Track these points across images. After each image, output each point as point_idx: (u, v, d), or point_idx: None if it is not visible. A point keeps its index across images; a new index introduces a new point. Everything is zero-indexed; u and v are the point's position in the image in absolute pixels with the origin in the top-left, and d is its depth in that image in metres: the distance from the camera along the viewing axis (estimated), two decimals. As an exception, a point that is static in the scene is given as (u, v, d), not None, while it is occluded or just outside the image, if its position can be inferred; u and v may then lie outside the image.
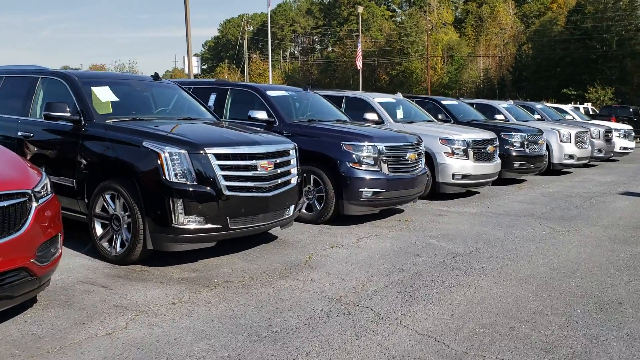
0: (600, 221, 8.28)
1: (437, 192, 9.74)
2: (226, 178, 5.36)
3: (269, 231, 6.58)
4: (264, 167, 5.64)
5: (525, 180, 13.06)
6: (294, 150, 6.24)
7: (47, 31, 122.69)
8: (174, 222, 5.13)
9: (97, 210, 5.63)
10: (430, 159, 9.67)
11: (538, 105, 18.09)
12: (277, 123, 7.96)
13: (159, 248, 5.27)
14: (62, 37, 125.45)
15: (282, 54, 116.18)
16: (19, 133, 6.46)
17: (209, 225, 5.26)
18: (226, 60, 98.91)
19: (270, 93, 8.32)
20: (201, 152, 5.28)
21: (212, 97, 8.76)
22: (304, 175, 7.46)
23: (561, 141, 13.87)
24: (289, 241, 6.52)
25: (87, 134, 5.87)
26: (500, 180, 11.85)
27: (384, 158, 7.46)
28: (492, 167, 10.20)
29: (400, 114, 11.14)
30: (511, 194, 10.91)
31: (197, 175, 5.23)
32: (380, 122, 10.27)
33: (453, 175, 9.62)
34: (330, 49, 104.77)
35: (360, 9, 51.67)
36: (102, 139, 5.74)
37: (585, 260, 6.05)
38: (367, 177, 7.31)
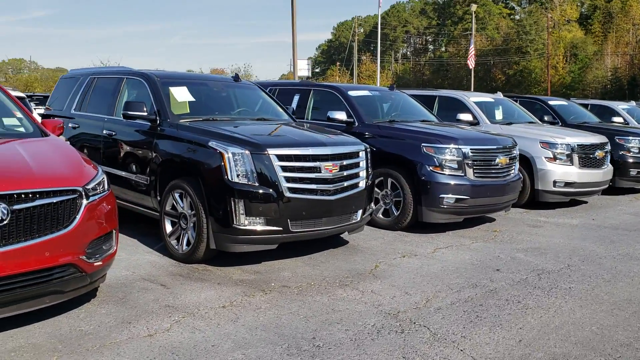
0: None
1: (535, 200, 8.96)
2: (288, 180, 5.21)
3: (340, 236, 6.34)
4: (328, 169, 5.43)
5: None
6: (364, 152, 5.93)
7: (176, 37, 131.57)
8: (235, 222, 5.05)
9: (167, 208, 5.70)
10: (529, 163, 8.92)
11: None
12: (357, 124, 7.68)
13: (221, 248, 5.22)
14: (189, 43, 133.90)
15: (393, 54, 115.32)
16: (104, 131, 6.73)
17: (270, 227, 5.14)
18: (337, 63, 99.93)
19: (351, 93, 8.05)
20: (264, 152, 5.18)
21: (296, 98, 8.66)
22: (381, 178, 7.17)
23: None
24: (359, 247, 6.22)
25: (162, 133, 5.96)
26: (614, 190, 10.73)
27: (469, 162, 6.93)
28: (602, 174, 9.20)
29: (499, 115, 10.41)
30: (625, 204, 9.80)
31: (258, 176, 5.13)
32: (475, 123, 9.62)
33: (554, 182, 8.79)
34: (443, 49, 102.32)
35: (474, 7, 49.92)
36: (174, 138, 5.81)
37: (701, 286, 5.19)
38: (450, 182, 6.82)
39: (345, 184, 5.58)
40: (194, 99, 6.46)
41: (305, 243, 5.99)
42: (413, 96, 10.65)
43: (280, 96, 8.67)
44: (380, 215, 7.25)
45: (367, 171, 5.97)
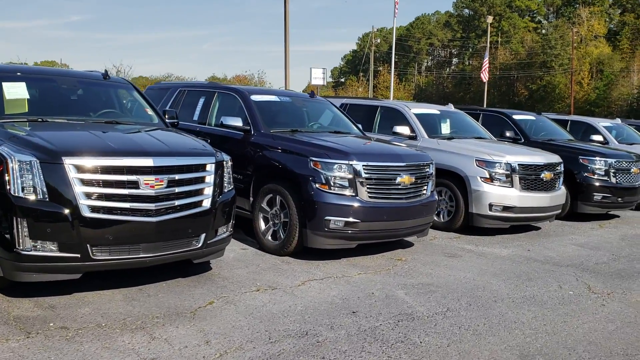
0: (673, 283, 6.04)
1: (469, 224, 7.94)
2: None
3: (204, 262, 5.40)
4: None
5: (618, 217, 10.54)
6: (213, 165, 5.03)
7: (208, 44, 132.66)
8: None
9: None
10: (463, 183, 7.92)
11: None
12: (253, 132, 6.81)
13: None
14: (219, 49, 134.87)
15: (416, 67, 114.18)
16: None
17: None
18: (360, 74, 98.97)
19: (254, 97, 7.22)
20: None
21: (201, 101, 7.85)
22: (270, 195, 6.35)
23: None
24: (215, 277, 5.30)
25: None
26: (580, 216, 9.65)
27: (361, 180, 5.96)
28: (549, 198, 8.12)
29: (445, 129, 9.42)
30: (580, 233, 8.68)
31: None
32: (412, 136, 8.69)
33: (491, 205, 7.76)
34: (467, 62, 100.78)
35: (490, 19, 48.59)
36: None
37: (598, 343, 4.15)
38: (337, 202, 5.85)
39: (177, 203, 4.68)
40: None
41: (154, 268, 5.12)
42: (354, 105, 9.84)
43: (188, 98, 8.02)
44: (269, 238, 6.35)
45: (220, 187, 5.07)
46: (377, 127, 9.49)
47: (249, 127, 6.82)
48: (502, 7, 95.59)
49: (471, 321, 4.53)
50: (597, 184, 9.48)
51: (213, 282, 5.17)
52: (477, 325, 4.44)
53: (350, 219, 5.87)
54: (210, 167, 4.97)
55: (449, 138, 8.84)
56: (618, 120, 13.63)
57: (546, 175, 8.09)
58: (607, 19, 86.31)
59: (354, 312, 4.58)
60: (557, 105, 73.09)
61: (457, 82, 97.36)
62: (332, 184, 5.88)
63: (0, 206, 4.21)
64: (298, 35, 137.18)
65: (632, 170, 9.84)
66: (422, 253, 6.77)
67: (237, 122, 6.77)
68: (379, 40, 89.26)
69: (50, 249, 4.21)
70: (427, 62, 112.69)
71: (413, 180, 6.31)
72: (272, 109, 7.36)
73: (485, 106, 44.48)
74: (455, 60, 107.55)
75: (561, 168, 8.53)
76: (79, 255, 4.27)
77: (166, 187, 4.58)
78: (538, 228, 8.90)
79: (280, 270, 5.67)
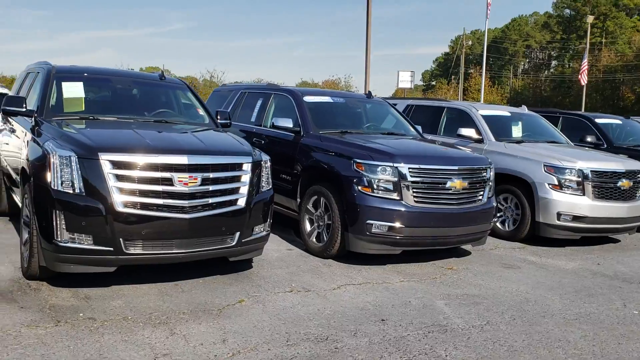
0: None
1: (536, 234, 7.44)
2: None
3: (245, 260, 5.40)
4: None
5: None
6: (250, 165, 5.03)
7: (300, 50, 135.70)
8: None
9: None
10: (530, 190, 7.44)
11: None
12: (303, 133, 6.76)
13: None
14: (311, 55, 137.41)
15: (512, 70, 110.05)
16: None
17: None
18: (452, 77, 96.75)
19: (306, 99, 7.16)
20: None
21: (258, 103, 7.92)
22: (315, 197, 6.30)
23: None
24: (253, 276, 5.30)
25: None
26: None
27: (407, 183, 5.73)
28: (627, 208, 7.43)
29: (516, 131, 8.93)
30: (665, 248, 7.90)
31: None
32: (479, 139, 8.32)
33: (559, 214, 7.23)
34: (567, 64, 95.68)
35: (590, 19, 45.92)
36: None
37: (644, 373, 3.72)
38: (380, 206, 5.67)
39: (212, 200, 4.71)
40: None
41: (194, 265, 5.22)
42: (420, 107, 9.56)
43: (249, 100, 8.17)
44: (314, 240, 6.27)
45: (257, 187, 5.06)
46: (442, 130, 9.16)
47: (299, 129, 6.77)
48: (608, 6, 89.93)
49: (509, 337, 4.21)
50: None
51: (249, 280, 5.17)
52: (514, 341, 4.11)
53: (394, 224, 5.66)
54: (247, 167, 4.97)
55: (519, 142, 8.34)
56: None
57: (624, 183, 7.42)
58: None
59: (383, 320, 4.40)
60: (667, 110, 67.72)
61: (556, 85, 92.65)
62: (375, 186, 5.70)
63: (43, 199, 4.42)
64: (389, 39, 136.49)
65: None
66: (477, 263, 6.41)
67: (288, 123, 6.76)
68: (470, 43, 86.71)
69: (86, 242, 4.37)
70: (524, 65, 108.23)
71: (466, 185, 5.99)
72: (325, 110, 7.28)
73: (583, 111, 42.02)
74: (554, 62, 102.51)
75: (643, 176, 7.79)
76: (112, 249, 4.40)
77: (200, 185, 4.62)
78: (617, 241, 8.19)
79: (320, 273, 5.58)
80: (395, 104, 10.17)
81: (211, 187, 4.70)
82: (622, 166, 7.52)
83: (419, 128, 7.77)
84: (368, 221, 5.67)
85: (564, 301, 5.18)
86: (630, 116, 11.58)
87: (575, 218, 7.23)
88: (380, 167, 5.73)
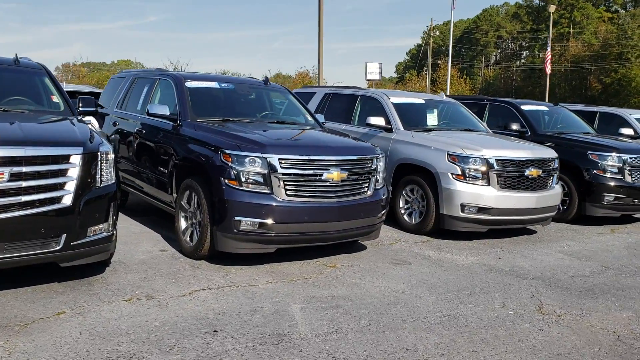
0: (655, 304, 4.97)
1: (441, 227, 7.02)
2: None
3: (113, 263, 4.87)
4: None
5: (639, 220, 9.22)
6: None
7: (278, 42, 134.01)
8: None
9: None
10: (434, 181, 7.02)
11: None
12: (179, 121, 6.19)
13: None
14: (289, 48, 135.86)
15: (484, 60, 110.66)
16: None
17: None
18: (423, 68, 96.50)
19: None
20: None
21: (145, 89, 7.31)
22: (188, 192, 5.72)
23: None
24: (104, 282, 4.76)
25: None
26: (592, 219, 8.49)
27: (278, 175, 5.23)
28: (536, 199, 7.04)
29: (431, 120, 8.48)
30: (580, 239, 7.54)
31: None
32: (388, 128, 7.86)
33: (463, 206, 6.81)
34: (537, 54, 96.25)
35: (553, 8, 45.84)
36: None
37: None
38: (249, 201, 5.16)
39: (25, 199, 4.15)
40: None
41: (27, 270, 4.65)
42: (337, 95, 9.12)
43: (137, 86, 7.64)
44: (187, 239, 5.75)
45: (91, 182, 4.49)
46: (356, 119, 8.68)
47: (176, 117, 6.22)
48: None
49: (351, 347, 3.74)
50: (608, 183, 8.25)
51: (88, 288, 4.62)
52: (352, 353, 3.65)
53: (264, 220, 5.16)
54: (76, 159, 4.39)
55: (429, 130, 7.91)
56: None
57: (532, 172, 7.02)
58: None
59: (215, 332, 3.89)
60: (633, 99, 68.56)
61: (527, 75, 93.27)
62: (243, 179, 5.19)
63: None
64: (366, 32, 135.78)
65: (652, 167, 8.52)
66: (366, 259, 5.96)
67: (165, 110, 6.19)
68: (438, 33, 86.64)
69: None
70: (496, 56, 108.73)
71: (345, 176, 5.50)
72: (209, 96, 6.72)
73: (547, 100, 42.06)
74: (525, 53, 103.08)
75: (555, 164, 7.41)
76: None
77: (8, 181, 4.05)
78: (533, 232, 7.82)
79: (179, 277, 5.05)
80: (314, 93, 9.73)
81: (24, 183, 4.13)
82: (531, 154, 7.12)
83: (321, 117, 7.27)
84: (236, 217, 5.16)
85: (439, 302, 4.74)
86: (559, 103, 11.25)
87: (481, 210, 6.81)
88: (248, 158, 5.21)
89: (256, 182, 5.20)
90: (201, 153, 5.58)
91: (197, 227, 5.57)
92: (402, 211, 7.53)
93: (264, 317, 4.20)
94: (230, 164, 5.22)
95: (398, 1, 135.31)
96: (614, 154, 8.32)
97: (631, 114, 11.21)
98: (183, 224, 5.83)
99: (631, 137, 10.33)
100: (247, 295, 4.64)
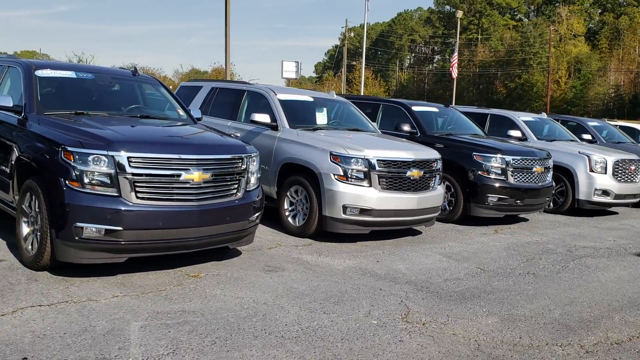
0: (529, 305, 4.89)
1: (324, 230, 6.71)
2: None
3: None
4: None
5: (526, 221, 9.39)
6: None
7: (196, 37, 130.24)
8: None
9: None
10: (317, 182, 6.71)
11: (592, 123, 13.89)
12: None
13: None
14: (207, 43, 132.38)
15: (398, 63, 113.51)
16: None
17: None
18: (340, 69, 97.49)
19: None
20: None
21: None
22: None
23: (591, 170, 9.94)
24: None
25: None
26: (476, 220, 8.50)
27: (128, 176, 4.68)
28: (417, 200, 6.90)
29: (321, 119, 8.23)
30: (462, 240, 7.50)
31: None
32: (273, 126, 7.48)
33: (345, 208, 6.54)
34: (448, 59, 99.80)
35: (460, 14, 47.56)
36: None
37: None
38: (93, 205, 4.58)
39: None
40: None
41: None
42: (224, 90, 8.70)
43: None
44: (29, 247, 5.04)
45: None
46: (243, 115, 8.23)
47: (20, 109, 5.50)
48: (483, 4, 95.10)
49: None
50: (491, 184, 8.29)
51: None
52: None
53: (111, 227, 4.60)
54: None
55: (315, 129, 7.60)
56: (544, 115, 12.48)
57: (413, 173, 6.86)
58: (586, 18, 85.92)
59: (24, 359, 3.33)
60: (534, 103, 72.67)
61: (438, 79, 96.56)
62: (87, 180, 4.60)
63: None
64: (288, 30, 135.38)
65: (534, 169, 8.67)
66: (235, 267, 5.53)
67: (7, 101, 5.45)
68: (353, 35, 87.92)
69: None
70: (410, 59, 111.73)
71: (208, 177, 5.05)
72: (64, 87, 6.05)
73: (454, 103, 43.42)
74: (437, 57, 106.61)
75: (438, 165, 7.31)
76: None
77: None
78: (418, 233, 7.71)
79: (7, 292, 4.39)
80: (201, 87, 9.21)
81: None
82: (412, 155, 6.97)
83: (197, 112, 6.74)
84: (77, 223, 4.56)
85: (301, 312, 4.39)
86: (449, 104, 11.33)
87: (363, 211, 6.57)
88: (92, 157, 4.62)
89: (102, 184, 4.63)
90: (41, 150, 4.93)
91: (37, 233, 4.91)
92: (287, 213, 7.17)
93: (93, 338, 3.67)
94: (71, 162, 4.62)
95: (318, 2, 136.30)
96: (497, 155, 8.38)
97: (519, 117, 11.48)
98: (25, 230, 5.14)
99: (519, 139, 10.55)
100: (82, 313, 4.08)
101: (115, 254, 4.76)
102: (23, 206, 5.11)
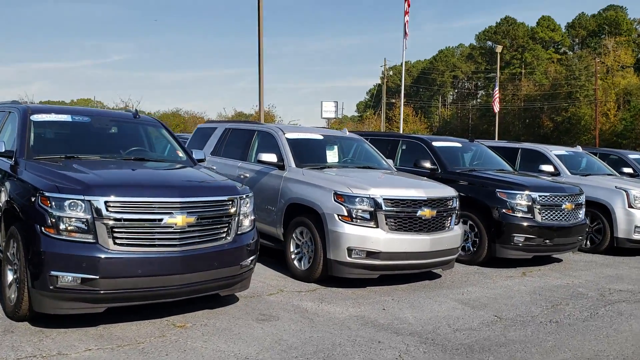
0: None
1: (329, 274, 6.33)
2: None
3: None
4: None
5: (560, 261, 8.73)
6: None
7: (242, 83, 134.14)
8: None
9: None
10: (321, 223, 6.37)
11: (634, 156, 13.08)
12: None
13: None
14: (253, 87, 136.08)
15: (440, 99, 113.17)
16: None
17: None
18: (381, 108, 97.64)
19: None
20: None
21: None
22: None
23: (630, 206, 9.22)
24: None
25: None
26: (502, 261, 7.94)
27: (106, 221, 4.47)
28: (430, 241, 6.43)
29: (331, 157, 7.92)
30: (484, 284, 6.94)
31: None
32: (280, 165, 7.23)
33: (350, 250, 6.15)
34: (492, 94, 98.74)
35: (499, 48, 47.13)
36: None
37: None
38: (66, 252, 4.36)
39: None
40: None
41: None
42: (236, 130, 8.63)
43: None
44: (11, 296, 4.86)
45: None
46: (253, 155, 8.02)
47: (12, 154, 5.41)
48: (525, 39, 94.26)
49: None
50: (517, 222, 7.74)
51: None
52: None
53: (87, 275, 4.37)
54: None
55: (324, 167, 7.30)
56: (579, 148, 11.80)
57: (425, 212, 6.43)
58: (634, 49, 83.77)
59: None
60: (583, 137, 70.51)
61: (482, 114, 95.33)
62: (62, 227, 4.41)
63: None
64: (329, 72, 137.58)
65: (564, 206, 8.07)
66: (227, 315, 5.19)
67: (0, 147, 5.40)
68: (391, 73, 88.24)
69: None
70: (453, 95, 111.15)
71: (192, 220, 4.78)
72: (58, 131, 5.99)
73: (498, 138, 42.47)
74: (481, 92, 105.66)
75: (454, 203, 6.84)
76: None
77: None
78: (437, 276, 7.20)
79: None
80: (215, 128, 9.11)
81: None
82: (424, 193, 6.54)
83: (199, 153, 6.53)
84: (52, 272, 4.35)
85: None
86: (475, 139, 10.87)
87: (369, 254, 6.17)
88: (68, 202, 4.44)
89: (78, 230, 4.43)
90: (24, 195, 4.79)
91: (17, 282, 4.73)
92: (293, 256, 6.84)
93: (45, 399, 3.38)
94: (48, 208, 4.44)
95: (359, 43, 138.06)
96: (522, 192, 7.85)
97: (552, 151, 10.87)
98: (9, 277, 4.96)
99: (551, 174, 9.97)
100: (46, 369, 3.82)
101: (93, 303, 4.51)
102: (8, 253, 4.96)
